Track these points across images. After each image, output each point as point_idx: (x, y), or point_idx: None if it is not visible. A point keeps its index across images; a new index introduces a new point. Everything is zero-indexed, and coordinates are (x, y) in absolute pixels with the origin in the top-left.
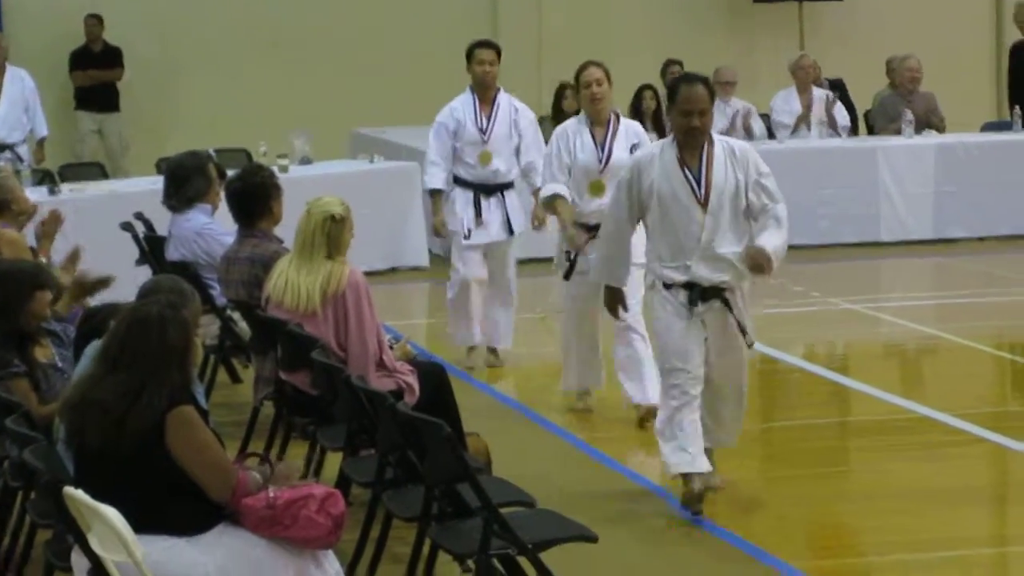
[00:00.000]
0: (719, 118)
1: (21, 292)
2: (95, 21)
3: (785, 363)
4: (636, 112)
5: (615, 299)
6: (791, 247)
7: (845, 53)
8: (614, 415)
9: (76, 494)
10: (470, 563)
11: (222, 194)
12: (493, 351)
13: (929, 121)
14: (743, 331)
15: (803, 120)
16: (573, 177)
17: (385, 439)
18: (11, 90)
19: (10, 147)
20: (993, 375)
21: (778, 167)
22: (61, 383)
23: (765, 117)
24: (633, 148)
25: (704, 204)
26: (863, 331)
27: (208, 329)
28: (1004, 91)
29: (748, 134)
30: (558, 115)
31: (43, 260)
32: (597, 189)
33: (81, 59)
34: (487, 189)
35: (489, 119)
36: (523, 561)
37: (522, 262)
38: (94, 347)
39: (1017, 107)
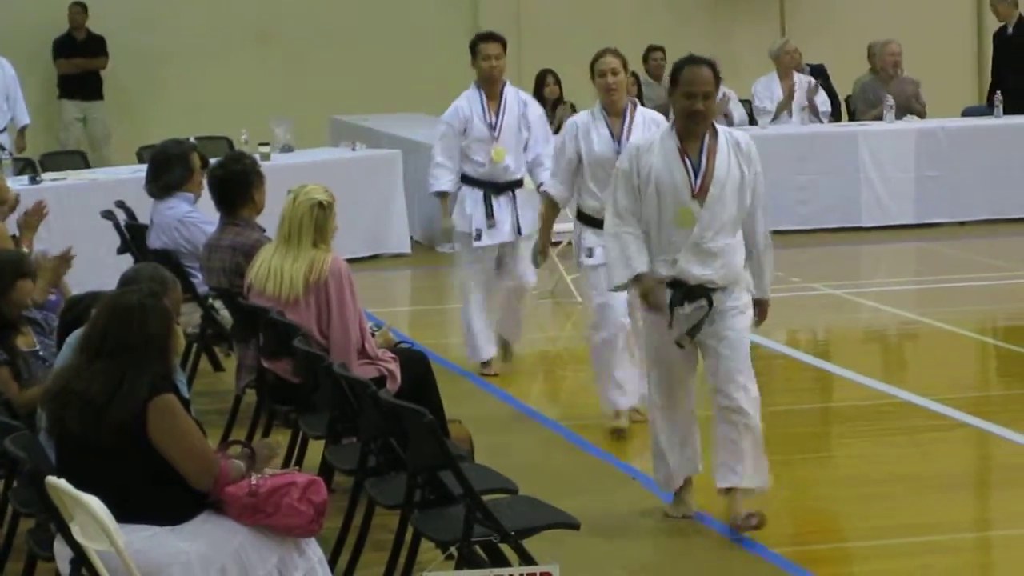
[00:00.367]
0: None
1: (2, 281)
2: (79, 9)
3: (767, 349)
4: None
5: (649, 283)
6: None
7: (825, 39)
8: (595, 400)
9: (58, 483)
10: (453, 550)
11: (205, 183)
12: (506, 347)
13: (910, 106)
14: (694, 332)
15: (784, 106)
16: (588, 170)
17: (367, 427)
18: None
19: None
20: (975, 360)
21: (760, 153)
22: (42, 371)
23: (746, 103)
24: None
25: (701, 196)
26: (845, 316)
27: (190, 317)
28: (986, 76)
29: (727, 120)
30: (540, 102)
31: (25, 250)
32: None
33: (65, 47)
34: (497, 187)
35: (498, 115)
36: (505, 548)
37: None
38: (75, 336)
39: (998, 92)
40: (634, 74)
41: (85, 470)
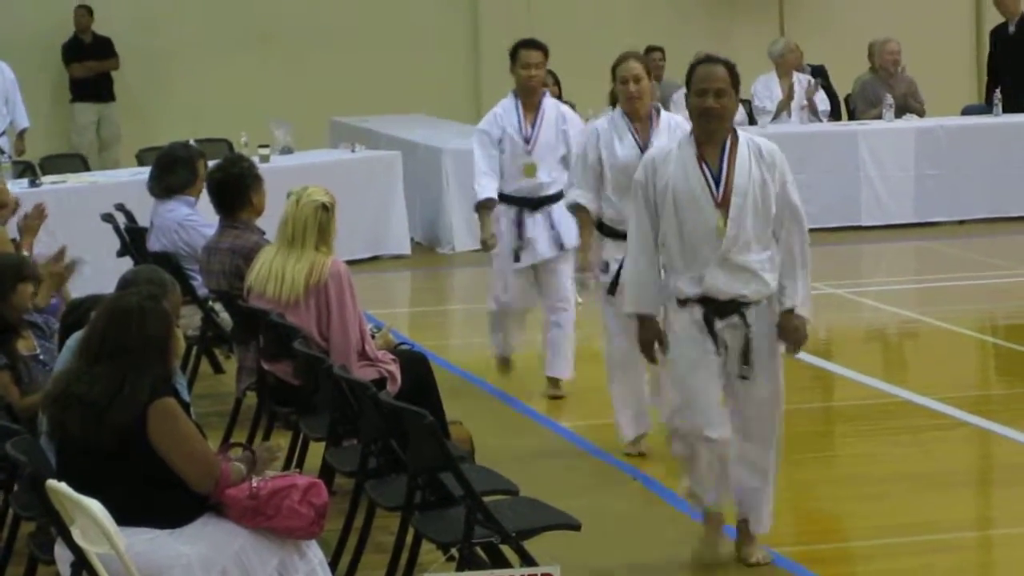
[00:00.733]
0: None
1: (3, 284)
2: (84, 12)
3: None
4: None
5: (650, 333)
6: None
7: (825, 38)
8: (597, 401)
9: (59, 487)
10: (453, 552)
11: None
12: (555, 382)
13: (909, 105)
14: (745, 359)
15: (784, 106)
16: (609, 178)
17: (368, 428)
18: None
19: None
20: (975, 358)
21: None
22: (43, 375)
23: (745, 103)
24: None
25: (724, 206)
26: (845, 315)
27: (190, 320)
28: (984, 74)
29: None
30: None
31: (25, 253)
32: None
33: (74, 51)
34: (532, 203)
35: (534, 127)
36: (506, 549)
37: None
38: (75, 339)
39: (997, 91)
40: None
41: (86, 473)
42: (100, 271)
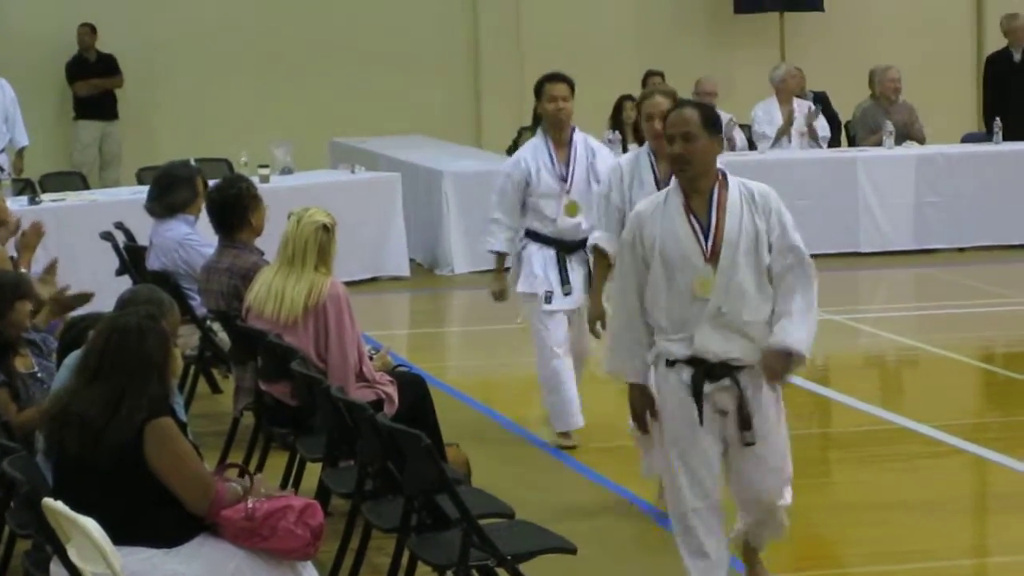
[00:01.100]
0: None
1: (2, 302)
2: (88, 30)
3: None
4: (616, 123)
5: (641, 400)
6: None
7: (826, 64)
8: (593, 424)
9: (55, 505)
10: (449, 574)
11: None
12: (565, 434)
13: (910, 132)
14: (745, 424)
15: (784, 131)
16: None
17: (365, 450)
18: None
19: None
20: (973, 387)
21: (758, 177)
22: (40, 393)
23: (744, 127)
24: None
25: (714, 260)
26: (843, 342)
27: (188, 340)
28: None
29: (730, 145)
30: (536, 120)
31: (23, 271)
32: None
33: (79, 68)
34: (570, 247)
35: (568, 165)
36: (502, 572)
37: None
38: (73, 357)
39: (997, 118)
40: (631, 98)
41: (82, 492)
42: (99, 289)
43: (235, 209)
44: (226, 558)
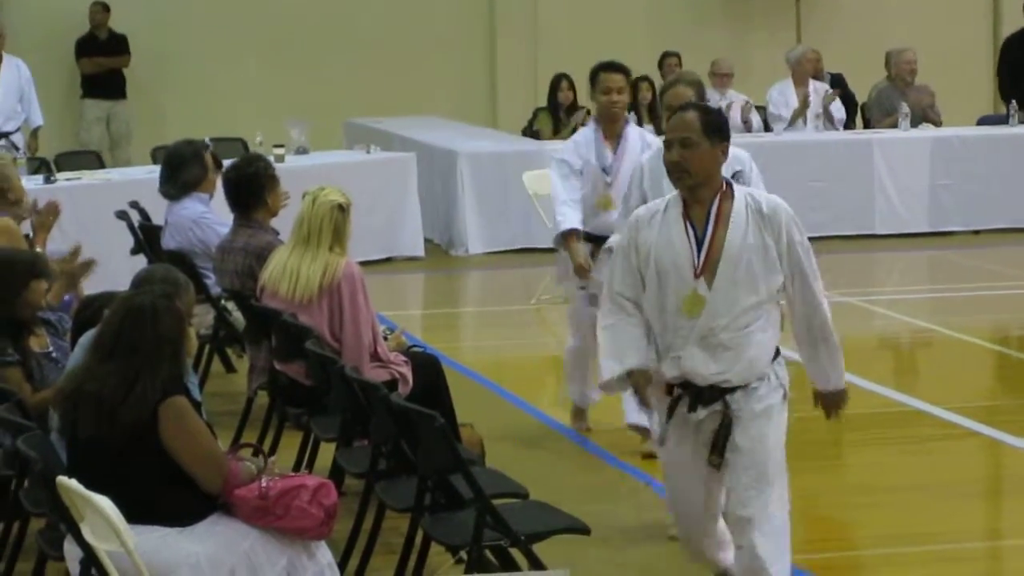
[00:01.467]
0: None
1: (17, 281)
2: (100, 8)
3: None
4: (632, 105)
5: (636, 382)
6: None
7: (842, 45)
8: (607, 406)
9: (69, 483)
10: (463, 554)
11: (219, 183)
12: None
13: (925, 114)
14: (717, 450)
15: (800, 114)
16: None
17: (379, 430)
18: (7, 79)
19: (5, 136)
20: (987, 369)
21: (773, 160)
22: (55, 372)
23: (760, 109)
24: (735, 177)
25: (707, 274)
26: (857, 324)
27: (203, 319)
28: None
29: (747, 127)
30: (554, 107)
31: (39, 250)
32: None
33: (87, 47)
34: (598, 242)
35: (615, 158)
36: (516, 552)
37: (515, 252)
38: (88, 336)
39: (1013, 101)
40: (647, 79)
41: (96, 470)
42: (114, 268)
43: (251, 188)
44: (240, 537)
